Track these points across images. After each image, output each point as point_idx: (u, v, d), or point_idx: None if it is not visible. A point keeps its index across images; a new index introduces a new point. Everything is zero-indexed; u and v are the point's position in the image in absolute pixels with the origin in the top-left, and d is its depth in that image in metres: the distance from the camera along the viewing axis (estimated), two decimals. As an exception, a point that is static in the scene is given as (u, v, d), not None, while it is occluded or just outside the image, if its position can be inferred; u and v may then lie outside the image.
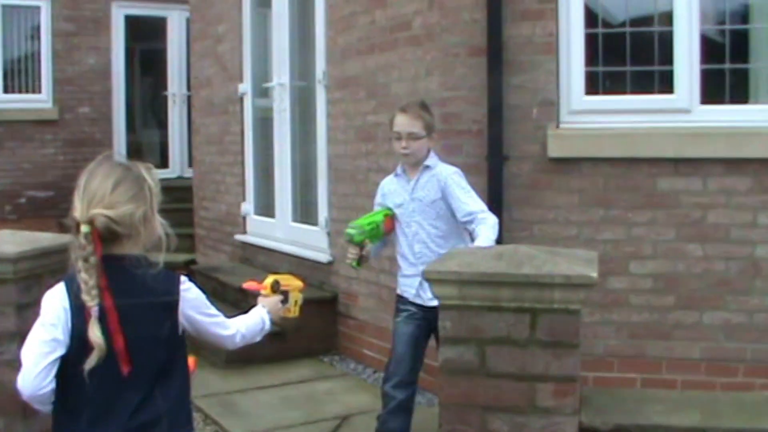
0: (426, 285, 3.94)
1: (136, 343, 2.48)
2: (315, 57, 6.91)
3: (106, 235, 2.44)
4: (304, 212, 7.47)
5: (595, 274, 2.77)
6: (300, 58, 7.39)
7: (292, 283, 3.25)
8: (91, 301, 2.40)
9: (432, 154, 4.39)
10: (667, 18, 5.18)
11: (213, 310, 2.72)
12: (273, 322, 2.98)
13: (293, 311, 3.24)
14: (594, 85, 5.27)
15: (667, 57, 5.19)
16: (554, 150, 5.17)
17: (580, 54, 5.21)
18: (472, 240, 4.16)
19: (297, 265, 7.13)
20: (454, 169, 4.36)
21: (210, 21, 9.01)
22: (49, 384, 2.44)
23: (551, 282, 2.75)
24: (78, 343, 2.43)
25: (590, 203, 5.22)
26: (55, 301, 2.48)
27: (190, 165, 10.67)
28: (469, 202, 4.22)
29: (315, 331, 6.49)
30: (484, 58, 5.19)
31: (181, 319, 2.59)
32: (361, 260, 4.32)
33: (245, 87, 8.26)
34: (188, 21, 10.40)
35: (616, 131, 5.19)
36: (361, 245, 4.26)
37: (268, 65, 7.89)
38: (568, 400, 2.77)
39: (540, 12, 5.16)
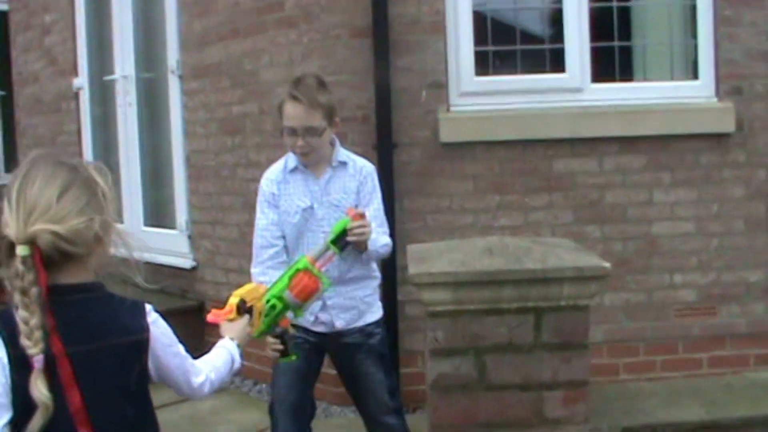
0: (333, 311, 3.35)
1: (97, 398, 1.91)
2: (166, 45, 6.29)
3: (53, 258, 1.86)
4: (159, 215, 6.82)
5: (608, 264, 2.46)
6: (147, 47, 6.73)
7: (255, 295, 2.68)
8: (34, 348, 1.82)
9: (337, 143, 3.51)
10: (557, -7, 5.00)
11: (182, 350, 2.15)
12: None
13: (257, 325, 2.70)
14: (484, 65, 5.00)
15: (558, 35, 4.99)
16: (446, 135, 4.87)
17: (469, 33, 4.93)
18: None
19: (154, 272, 6.47)
20: (372, 167, 3.58)
21: (34, 11, 8.13)
22: None
23: (561, 276, 2.41)
24: (24, 403, 1.84)
25: (485, 189, 4.96)
26: None
27: (8, 170, 9.63)
28: (378, 217, 3.39)
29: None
30: (368, 39, 4.80)
31: (150, 361, 2.04)
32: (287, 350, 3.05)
33: (80, 81, 7.47)
34: (6, 12, 9.40)
35: (510, 113, 4.95)
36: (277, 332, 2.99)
37: (107, 56, 7.15)
38: (579, 407, 2.45)
39: (426, -12, 4.83)
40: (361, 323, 3.34)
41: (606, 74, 5.09)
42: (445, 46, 4.88)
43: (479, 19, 4.96)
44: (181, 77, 6.16)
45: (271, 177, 3.54)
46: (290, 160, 3.51)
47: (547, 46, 5.04)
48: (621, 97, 5.03)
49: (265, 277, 3.33)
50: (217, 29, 5.64)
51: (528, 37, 5.04)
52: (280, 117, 3.42)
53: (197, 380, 2.21)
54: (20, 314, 1.83)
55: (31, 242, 1.83)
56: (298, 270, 2.93)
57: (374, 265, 3.42)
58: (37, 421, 1.82)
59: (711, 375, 5.15)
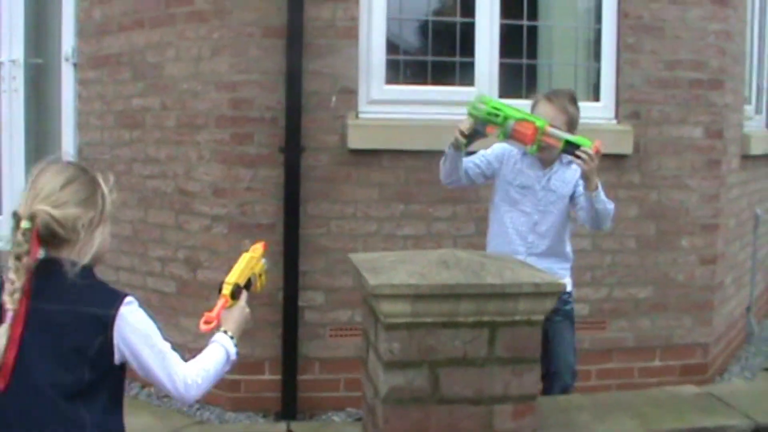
0: None
1: (55, 353, 2.17)
2: (61, 31, 6.02)
3: (46, 236, 2.20)
4: (44, 208, 6.51)
5: (564, 281, 2.48)
6: (39, 31, 6.43)
7: (246, 264, 2.67)
8: (11, 304, 2.13)
9: None
10: (470, 9, 5.04)
11: (165, 348, 2.28)
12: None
13: (260, 284, 2.74)
14: (395, 74, 5.01)
15: (469, 49, 5.04)
16: (354, 141, 4.84)
17: (382, 41, 4.93)
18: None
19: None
20: None
21: None
22: None
23: (518, 291, 2.41)
24: None
25: (391, 197, 4.96)
26: None
27: None
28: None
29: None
30: (281, 39, 4.72)
31: (119, 342, 2.21)
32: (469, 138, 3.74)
33: (-38, 63, 7.09)
34: None
35: (418, 123, 4.96)
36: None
37: (-7, 38, 6.79)
38: (527, 421, 2.45)
39: (342, -7, 4.80)
40: None
41: (512, 91, 5.18)
42: (357, 52, 4.85)
43: (393, 28, 4.97)
44: (75, 65, 5.91)
45: (507, 147, 4.04)
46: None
47: (457, 59, 5.08)
48: (526, 114, 5.12)
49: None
50: (120, 18, 5.43)
51: (440, 49, 5.07)
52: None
53: (182, 382, 2.30)
54: (9, 275, 2.14)
55: (32, 219, 2.16)
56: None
57: (568, 249, 4.06)
58: None
59: (600, 387, 5.32)
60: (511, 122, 3.68)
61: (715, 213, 5.45)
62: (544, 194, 3.97)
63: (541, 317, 2.48)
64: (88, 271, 2.24)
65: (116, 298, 2.23)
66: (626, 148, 5.21)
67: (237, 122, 4.77)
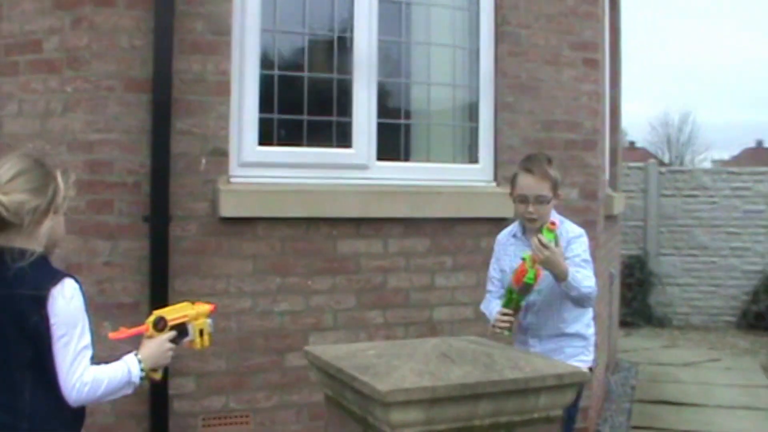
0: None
1: (2, 332, 2.43)
2: None
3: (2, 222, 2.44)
4: None
5: (587, 369, 2.15)
6: None
7: (188, 312, 2.80)
8: None
9: (553, 213, 3.84)
10: (347, 65, 4.72)
11: (76, 342, 2.45)
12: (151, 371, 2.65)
13: (200, 342, 2.81)
14: (269, 134, 4.57)
15: (346, 108, 4.71)
16: (226, 208, 4.35)
17: (254, 97, 4.50)
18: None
19: None
20: (580, 231, 3.87)
21: None
22: None
23: (540, 385, 2.04)
24: None
25: (266, 270, 4.50)
26: None
27: None
28: (581, 271, 3.66)
29: None
30: (145, 94, 4.19)
31: (51, 319, 2.43)
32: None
33: None
34: None
35: (294, 187, 4.55)
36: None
37: None
38: None
39: (213, 45, 4.33)
40: None
41: (389, 153, 4.89)
42: (229, 109, 4.40)
43: (267, 84, 4.55)
44: None
45: (501, 237, 4.08)
46: (515, 227, 3.99)
47: (335, 118, 4.72)
48: (406, 177, 4.85)
49: (485, 305, 4.02)
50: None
51: (316, 107, 4.69)
52: (511, 188, 3.88)
53: (74, 381, 2.44)
54: None
55: None
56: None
57: (577, 327, 3.80)
58: None
59: None
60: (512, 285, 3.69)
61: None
62: None
63: (560, 412, 2.15)
64: (37, 257, 2.48)
65: (54, 279, 2.46)
66: (507, 211, 5.01)
67: (94, 188, 4.16)
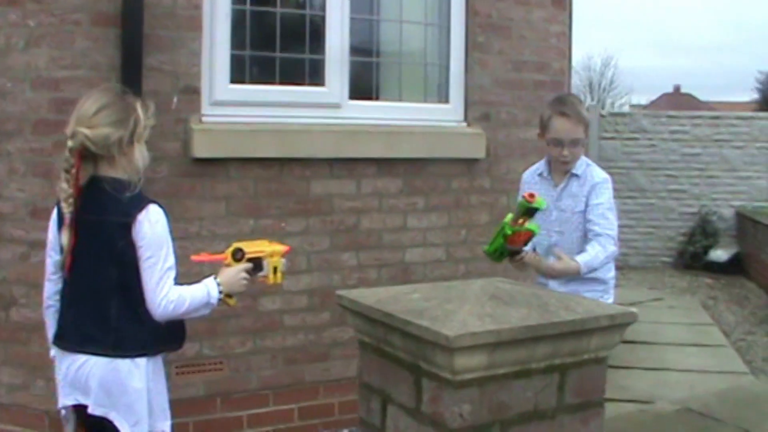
0: None
1: (92, 254, 2.67)
2: None
3: (85, 153, 2.65)
4: None
5: (636, 310, 2.12)
6: None
7: (265, 248, 3.00)
8: (67, 209, 2.66)
9: (582, 157, 3.80)
10: (320, 1, 4.58)
11: (162, 263, 2.66)
12: (227, 296, 2.85)
13: (273, 278, 3.01)
14: (241, 72, 4.42)
15: (319, 45, 4.58)
16: (200, 149, 4.21)
17: (226, 33, 4.33)
18: None
19: None
20: (605, 176, 3.79)
21: None
22: (55, 284, 2.83)
23: (595, 326, 1.99)
24: (59, 248, 2.74)
25: (239, 212, 4.38)
26: (52, 215, 2.80)
27: None
28: (602, 222, 3.64)
29: None
30: (115, 29, 3.98)
31: (137, 242, 2.65)
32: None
33: None
34: None
35: (267, 127, 4.42)
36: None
37: None
38: None
39: (184, -23, 4.14)
40: None
41: (361, 92, 4.78)
42: (201, 46, 4.22)
43: (239, 19, 4.38)
44: None
45: (527, 174, 4.02)
46: (542, 166, 3.92)
47: (307, 56, 4.59)
48: (378, 117, 4.76)
49: None
50: None
51: (288, 44, 4.55)
52: (542, 131, 3.82)
53: (159, 299, 2.66)
54: (61, 185, 2.67)
55: (73, 138, 2.65)
56: (505, 236, 3.37)
57: (601, 271, 3.69)
58: (63, 258, 2.72)
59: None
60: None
61: (557, 216, 5.38)
62: (558, 214, 3.78)
63: (607, 353, 2.11)
64: (125, 184, 2.70)
65: (139, 206, 2.67)
66: (479, 152, 4.99)
67: (61, 128, 3.90)
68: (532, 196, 3.29)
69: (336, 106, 4.62)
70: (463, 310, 1.97)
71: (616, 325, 2.06)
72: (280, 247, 3.03)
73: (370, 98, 4.84)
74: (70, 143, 2.65)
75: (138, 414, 2.69)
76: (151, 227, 2.65)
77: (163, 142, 4.16)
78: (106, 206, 2.66)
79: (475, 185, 5.04)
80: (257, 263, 2.96)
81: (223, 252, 2.95)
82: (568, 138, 3.71)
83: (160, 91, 4.13)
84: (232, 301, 2.91)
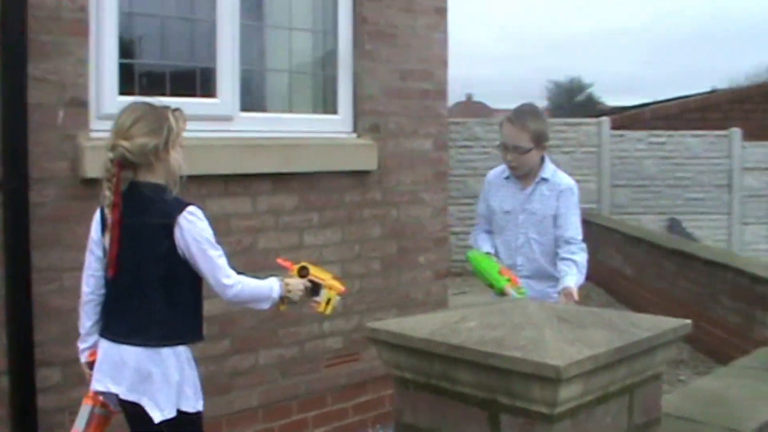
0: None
1: (135, 254, 2.90)
2: None
3: (124, 162, 2.88)
4: None
5: (689, 321, 2.03)
6: None
7: (325, 277, 3.22)
8: (109, 214, 2.90)
9: (547, 162, 3.89)
10: (211, 8, 4.26)
11: (212, 251, 2.91)
12: (281, 300, 3.08)
13: (324, 308, 3.20)
14: (129, 82, 4.03)
15: (210, 54, 4.27)
16: (91, 168, 3.77)
17: (114, 39, 3.93)
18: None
19: None
20: (573, 182, 3.92)
21: None
22: (96, 280, 3.03)
23: (661, 342, 1.89)
24: (102, 249, 2.98)
25: (133, 236, 3.98)
26: (95, 217, 3.05)
27: None
28: (570, 228, 3.82)
29: None
30: (-8, 34, 3.52)
31: (179, 243, 2.87)
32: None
33: None
34: None
35: (160, 142, 4.05)
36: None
37: None
38: None
39: (69, -24, 3.71)
40: None
41: (252, 103, 4.52)
42: (87, 53, 3.81)
43: (125, 25, 3.99)
44: None
45: (492, 175, 4.08)
46: (505, 169, 3.96)
47: (199, 64, 4.26)
48: (270, 129, 4.51)
49: (473, 238, 4.09)
50: None
51: (179, 53, 4.21)
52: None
53: (225, 281, 2.93)
54: (105, 193, 2.90)
55: (113, 150, 2.88)
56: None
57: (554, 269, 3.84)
58: (107, 258, 2.95)
59: (355, 423, 4.91)
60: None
61: (443, 226, 5.34)
62: (526, 217, 3.87)
63: (664, 368, 2.01)
64: (163, 188, 2.91)
65: (178, 209, 2.87)
66: (371, 164, 4.85)
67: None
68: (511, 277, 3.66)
69: (228, 118, 4.33)
70: (547, 336, 1.81)
71: (677, 339, 1.99)
72: (339, 285, 3.24)
73: (261, 110, 4.58)
74: (110, 155, 2.85)
75: (169, 399, 2.89)
76: (192, 225, 2.86)
77: (48, 161, 3.73)
78: (146, 209, 2.87)
79: (367, 198, 4.89)
80: (316, 287, 3.19)
81: (292, 262, 3.24)
82: (510, 143, 3.81)
83: (45, 104, 3.69)
84: (283, 307, 3.13)
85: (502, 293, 3.61)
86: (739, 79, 28.47)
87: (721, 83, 28.09)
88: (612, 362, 1.79)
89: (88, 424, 3.07)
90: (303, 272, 3.17)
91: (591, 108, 25.30)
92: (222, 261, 2.93)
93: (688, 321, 2.04)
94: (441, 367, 1.90)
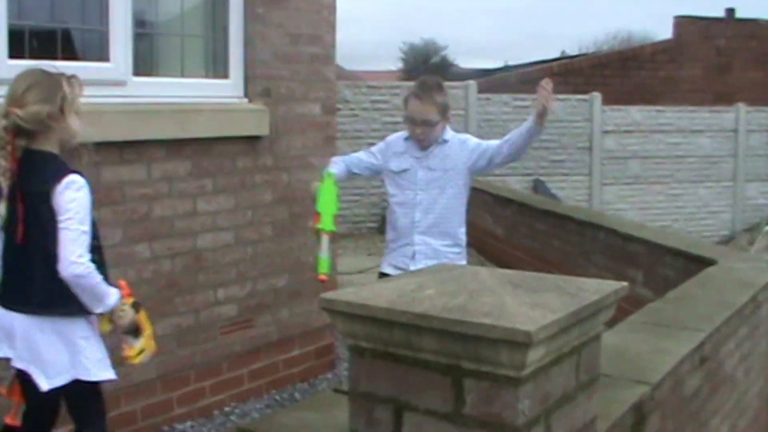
0: (418, 257, 3.97)
1: (30, 222, 2.90)
2: None
3: (18, 130, 2.87)
4: None
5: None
6: None
7: (148, 330, 3.16)
8: (4, 183, 2.90)
9: (447, 128, 4.02)
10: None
11: (76, 225, 2.85)
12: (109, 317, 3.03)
13: (135, 356, 3.14)
14: (19, 46, 3.87)
15: (102, 16, 4.14)
16: (-22, 136, 3.63)
17: (3, 2, 3.76)
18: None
19: None
20: (466, 136, 4.16)
21: None
22: None
23: (606, 304, 2.03)
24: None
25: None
26: None
27: None
28: (491, 143, 4.00)
29: None
30: None
31: (56, 210, 2.86)
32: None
33: None
34: None
35: (52, 108, 3.92)
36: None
37: None
38: None
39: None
40: None
41: (144, 67, 4.42)
42: (-26, 16, 3.64)
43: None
44: None
45: (393, 138, 4.17)
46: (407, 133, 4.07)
47: (92, 27, 4.13)
48: (163, 94, 4.43)
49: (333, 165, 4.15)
50: None
51: (70, 16, 4.07)
52: (405, 107, 4.04)
53: (74, 258, 2.83)
54: (0, 162, 2.86)
55: (6, 117, 2.86)
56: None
57: (461, 233, 4.09)
58: (3, 225, 2.97)
59: (251, 390, 4.94)
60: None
61: (335, 191, 5.38)
62: (425, 173, 3.98)
63: (601, 329, 2.14)
64: (55, 156, 2.93)
65: (58, 177, 2.86)
66: (262, 129, 4.84)
67: None
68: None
69: (121, 83, 4.23)
70: (508, 302, 1.90)
71: (617, 300, 2.13)
72: (154, 345, 3.21)
73: (154, 75, 4.49)
74: (3, 122, 2.82)
75: (59, 368, 2.91)
76: (70, 193, 2.84)
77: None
78: (35, 176, 2.87)
79: (259, 164, 4.89)
80: (137, 332, 3.12)
81: (132, 292, 3.13)
82: (419, 118, 3.92)
83: (-70, 69, 3.51)
84: (105, 326, 3.06)
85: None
86: (588, 45, 29.57)
87: (571, 49, 29.10)
88: (569, 325, 1.90)
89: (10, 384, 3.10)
90: (136, 307, 3.11)
91: (445, 70, 25.68)
92: (82, 238, 2.86)
93: (625, 283, 2.19)
94: (402, 335, 1.96)
